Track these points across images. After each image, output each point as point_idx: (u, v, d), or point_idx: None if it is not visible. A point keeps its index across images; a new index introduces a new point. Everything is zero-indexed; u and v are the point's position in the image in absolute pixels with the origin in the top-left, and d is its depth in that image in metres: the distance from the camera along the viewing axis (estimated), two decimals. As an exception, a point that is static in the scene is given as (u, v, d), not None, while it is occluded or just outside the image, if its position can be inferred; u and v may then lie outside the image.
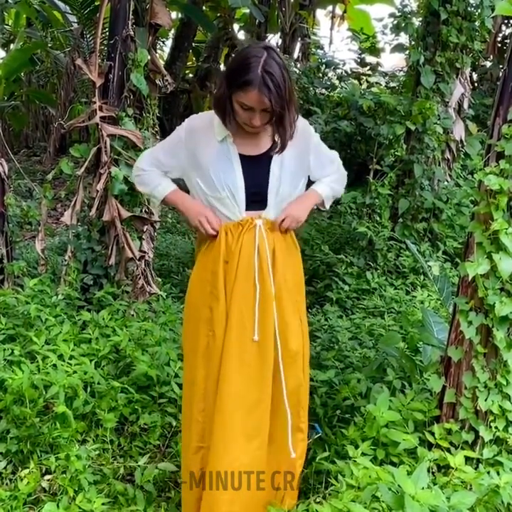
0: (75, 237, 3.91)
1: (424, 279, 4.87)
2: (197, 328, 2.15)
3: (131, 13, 3.70)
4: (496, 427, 2.26)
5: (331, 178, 2.30)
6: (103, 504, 2.36)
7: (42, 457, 2.58)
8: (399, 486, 1.78)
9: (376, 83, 8.39)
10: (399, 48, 6.83)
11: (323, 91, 8.14)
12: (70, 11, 8.93)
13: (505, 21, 8.14)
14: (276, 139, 2.07)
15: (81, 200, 3.80)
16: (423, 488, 1.77)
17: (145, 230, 3.93)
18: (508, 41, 7.92)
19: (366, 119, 5.78)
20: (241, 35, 12.19)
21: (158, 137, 3.97)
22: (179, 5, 8.02)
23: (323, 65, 8.41)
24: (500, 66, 7.86)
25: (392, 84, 8.35)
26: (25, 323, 3.27)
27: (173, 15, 10.29)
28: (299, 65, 9.67)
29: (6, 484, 2.52)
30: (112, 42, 3.69)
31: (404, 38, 6.37)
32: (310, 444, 2.45)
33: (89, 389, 2.93)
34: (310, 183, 2.28)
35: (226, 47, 11.69)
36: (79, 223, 3.93)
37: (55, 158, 9.31)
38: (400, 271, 5.09)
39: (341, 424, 2.72)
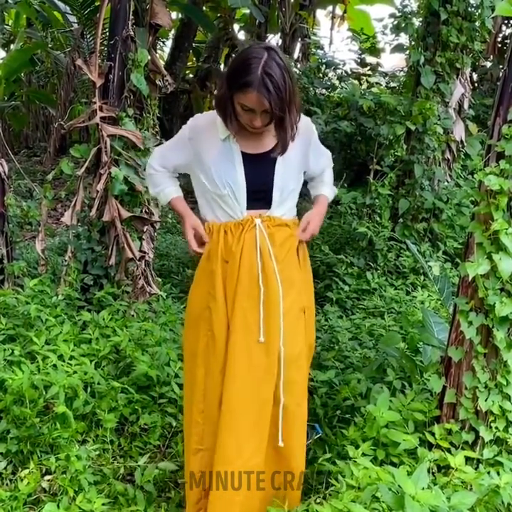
0: (75, 238, 3.92)
1: (424, 280, 4.87)
2: (197, 329, 2.15)
3: (131, 13, 3.70)
4: (496, 428, 2.26)
5: (329, 178, 2.39)
6: (103, 504, 2.35)
7: (42, 457, 2.58)
8: (399, 486, 1.78)
9: (376, 83, 8.36)
10: (399, 48, 6.84)
11: (323, 91, 8.11)
12: (70, 12, 8.96)
13: (506, 21, 8.12)
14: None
15: (81, 200, 3.81)
16: (423, 488, 1.76)
17: (145, 230, 3.93)
18: (508, 41, 7.92)
19: (366, 120, 5.78)
20: (241, 36, 12.19)
21: (158, 137, 3.98)
22: (179, 5, 8.04)
23: (324, 65, 8.37)
24: (501, 66, 7.85)
25: (392, 85, 8.33)
26: (26, 324, 3.27)
27: (173, 15, 10.29)
28: (299, 65, 9.65)
29: (6, 484, 2.51)
30: (112, 42, 3.70)
31: (404, 38, 6.38)
32: (310, 444, 2.45)
33: (89, 389, 2.92)
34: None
35: (226, 47, 11.70)
36: (79, 223, 3.93)
37: (56, 158, 9.31)
38: (400, 271, 5.09)
39: (341, 425, 2.72)
